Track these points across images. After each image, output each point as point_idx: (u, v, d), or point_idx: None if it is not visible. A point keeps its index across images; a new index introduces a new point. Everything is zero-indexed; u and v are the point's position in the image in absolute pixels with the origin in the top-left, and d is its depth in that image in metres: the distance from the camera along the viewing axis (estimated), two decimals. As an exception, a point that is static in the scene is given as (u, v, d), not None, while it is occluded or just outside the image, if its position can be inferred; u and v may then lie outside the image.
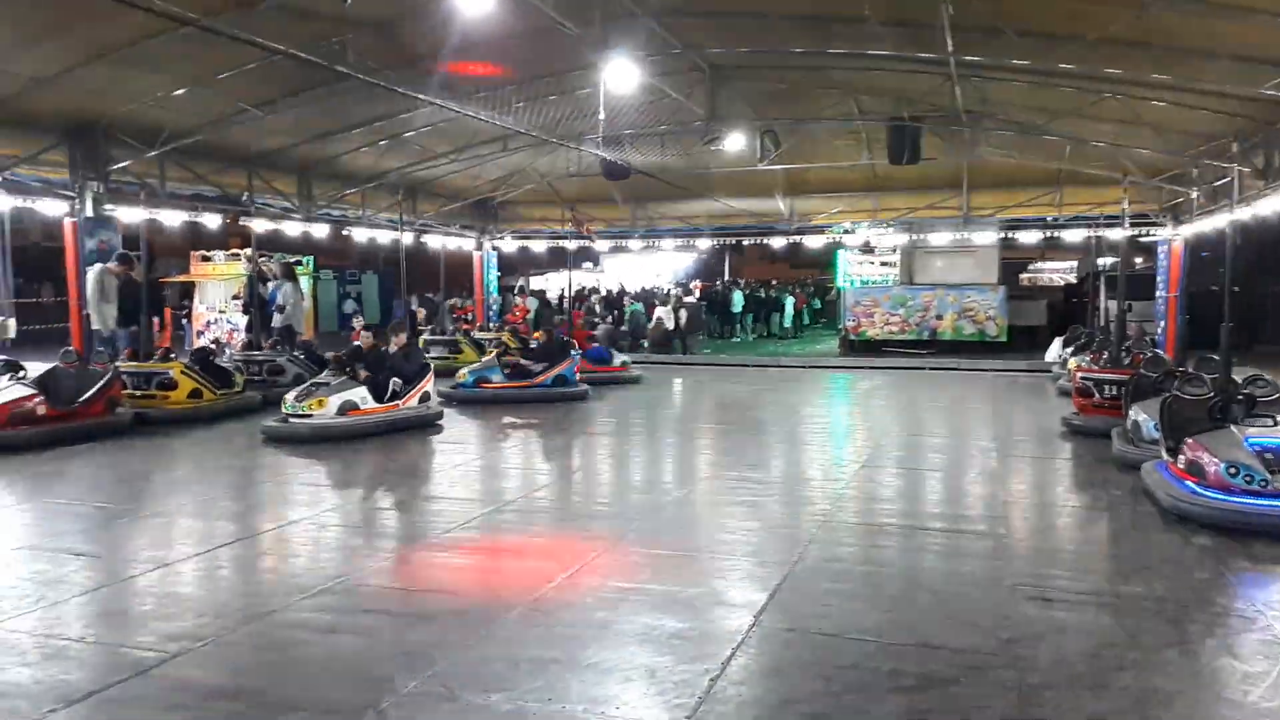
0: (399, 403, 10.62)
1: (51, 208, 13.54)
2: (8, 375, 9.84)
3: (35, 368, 10.56)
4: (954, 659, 4.19)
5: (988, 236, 20.41)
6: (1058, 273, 35.24)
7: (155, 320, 13.59)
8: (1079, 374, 11.11)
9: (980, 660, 4.18)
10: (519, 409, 12.59)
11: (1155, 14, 8.86)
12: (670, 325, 21.75)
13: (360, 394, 10.33)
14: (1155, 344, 16.27)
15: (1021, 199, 18.81)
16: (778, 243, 22.35)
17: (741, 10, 11.40)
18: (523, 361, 13.64)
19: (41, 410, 9.49)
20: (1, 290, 17.90)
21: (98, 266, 12.58)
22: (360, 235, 19.79)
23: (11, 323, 17.70)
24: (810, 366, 19.67)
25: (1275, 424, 7.05)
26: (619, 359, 16.33)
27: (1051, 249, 30.94)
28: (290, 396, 10.37)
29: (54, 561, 5.62)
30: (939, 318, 21.37)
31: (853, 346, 21.88)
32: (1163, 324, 18.33)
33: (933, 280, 21.85)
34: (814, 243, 22.26)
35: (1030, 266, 35.49)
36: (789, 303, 29.44)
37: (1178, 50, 10.01)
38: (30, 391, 9.58)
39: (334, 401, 10.11)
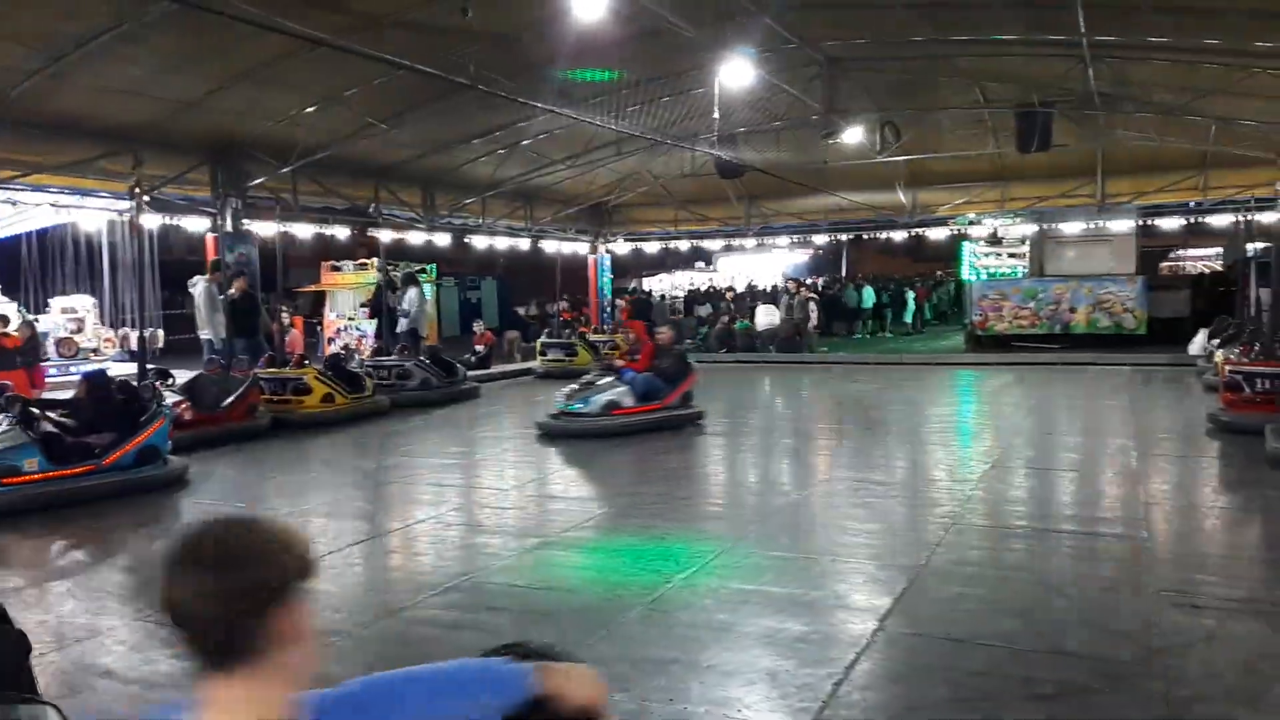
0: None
1: (194, 224, 14.37)
2: (158, 383, 10.47)
3: (181, 375, 11.21)
4: (1093, 667, 3.99)
5: (1124, 224, 19.41)
6: (1202, 260, 33.29)
7: (277, 328, 14.14)
8: (1228, 367, 10.44)
9: (1122, 670, 3.97)
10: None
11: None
12: (774, 324, 21.48)
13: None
14: (1314, 334, 15.14)
15: (1161, 184, 17.79)
16: (899, 237, 21.76)
17: (859, 1, 11.17)
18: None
19: (188, 415, 10.07)
20: (151, 303, 19.10)
21: (202, 279, 13.20)
22: (479, 242, 20.27)
23: (160, 333, 18.88)
24: (936, 364, 19.12)
25: None
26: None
27: (1195, 235, 29.19)
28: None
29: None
30: (1072, 310, 20.40)
31: (980, 342, 21.13)
32: (1322, 312, 17.04)
33: (1065, 271, 20.90)
34: (937, 236, 21.59)
35: (1172, 254, 33.62)
36: (910, 298, 28.72)
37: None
38: (178, 398, 10.18)
39: None
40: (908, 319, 28.32)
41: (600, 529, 6.64)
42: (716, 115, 12.77)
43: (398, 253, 19.77)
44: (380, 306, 16.59)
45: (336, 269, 21.94)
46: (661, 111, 13.88)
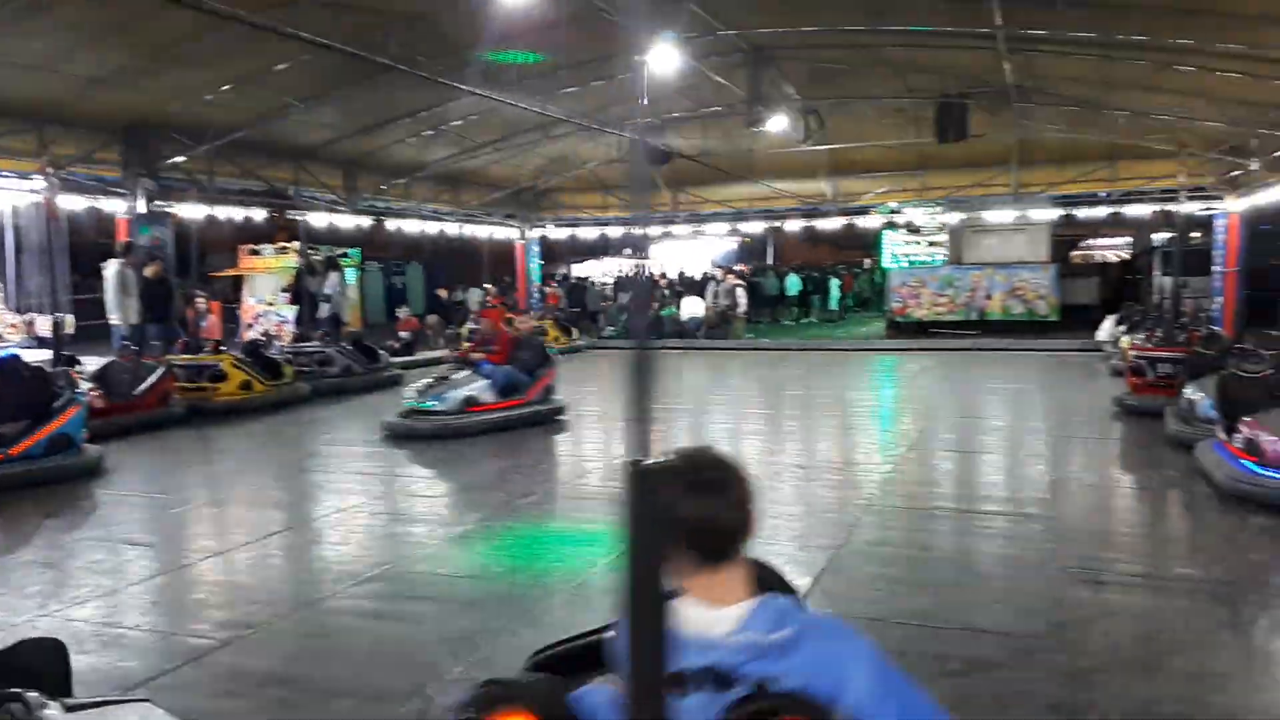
0: None
1: (106, 205, 13.85)
2: (67, 369, 10.10)
3: (92, 362, 10.84)
4: (1002, 643, 4.13)
5: (1039, 214, 19.98)
6: (1111, 249, 34.45)
7: (192, 314, 13.73)
8: (1132, 352, 10.86)
9: (1029, 644, 4.12)
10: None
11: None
12: (698, 315, 21.60)
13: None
14: (1212, 320, 15.85)
15: (1073, 174, 18.37)
16: (822, 225, 22.09)
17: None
18: None
19: (99, 403, 9.73)
20: (60, 287, 18.37)
21: (115, 262, 12.80)
22: (404, 226, 19.96)
23: (70, 319, 18.18)
24: (857, 349, 19.50)
25: (1338, 401, 6.84)
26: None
27: (1105, 225, 30.17)
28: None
29: (112, 551, 5.77)
30: (988, 297, 20.99)
31: (899, 328, 21.61)
32: (1220, 300, 17.84)
33: (982, 259, 21.47)
34: (861, 223, 21.95)
35: (1082, 243, 34.71)
36: (835, 285, 29.19)
37: (1234, 16, 9.67)
38: (88, 385, 9.84)
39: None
40: (833, 306, 28.81)
41: (524, 517, 6.63)
42: (644, 101, 12.77)
43: (319, 236, 19.39)
44: (301, 291, 16.26)
45: (255, 253, 21.41)
46: (589, 96, 13.82)
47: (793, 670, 1.54)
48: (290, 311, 18.53)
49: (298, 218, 16.46)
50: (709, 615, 1.59)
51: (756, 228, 25.06)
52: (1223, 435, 7.09)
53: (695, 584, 1.61)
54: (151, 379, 10.45)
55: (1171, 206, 16.42)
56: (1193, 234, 21.44)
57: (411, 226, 20.15)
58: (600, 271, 36.79)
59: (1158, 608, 4.56)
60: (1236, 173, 16.36)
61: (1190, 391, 8.54)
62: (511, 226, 22.85)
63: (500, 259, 24.18)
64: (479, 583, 5.11)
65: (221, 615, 4.67)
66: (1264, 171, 14.91)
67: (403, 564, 5.47)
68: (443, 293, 23.56)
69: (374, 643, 4.32)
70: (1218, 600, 4.66)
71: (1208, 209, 18.19)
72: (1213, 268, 18.30)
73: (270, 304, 20.70)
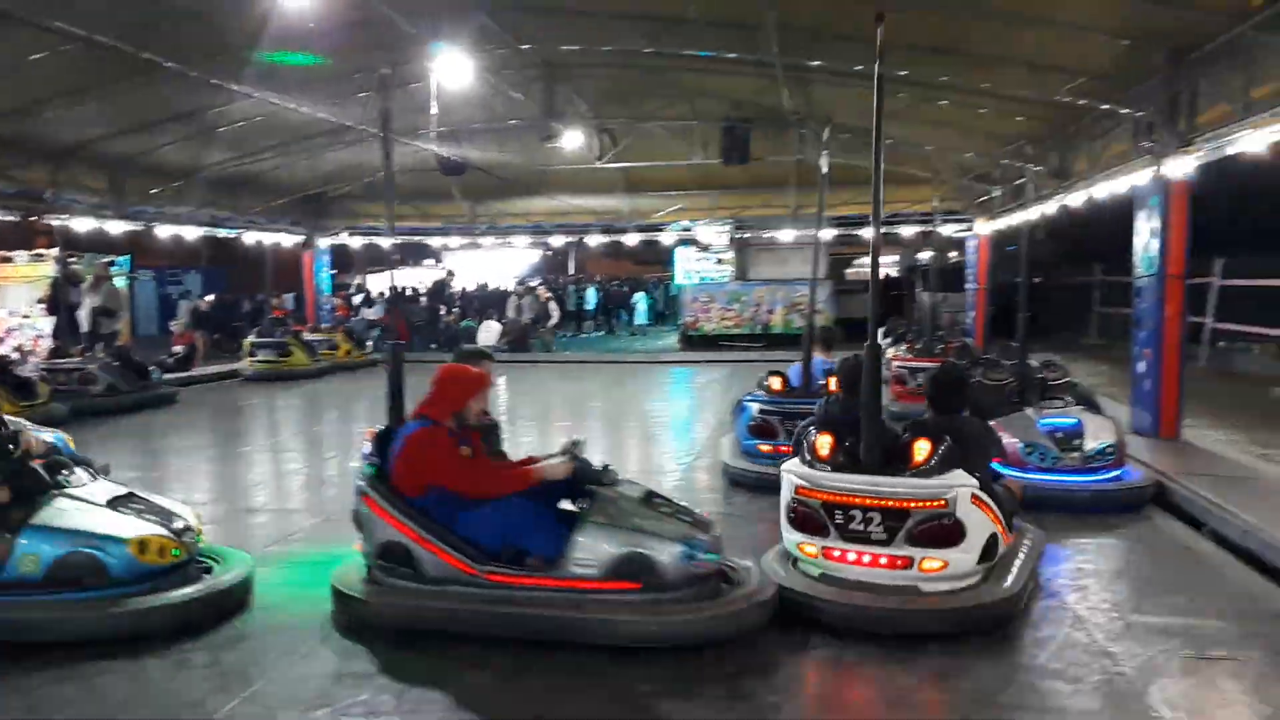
0: None
1: None
2: None
3: None
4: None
5: (812, 233, 21.20)
6: (881, 268, 36.96)
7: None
8: (895, 363, 11.74)
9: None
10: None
11: (958, 23, 9.43)
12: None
13: None
14: (966, 333, 17.33)
15: (846, 197, 19.54)
16: (623, 240, 22.57)
17: (573, 7, 11.42)
18: None
19: None
20: None
21: None
22: (178, 232, 18.70)
23: None
24: (652, 362, 20.00)
25: (1065, 405, 7.71)
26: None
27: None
28: None
29: None
30: (770, 312, 22.14)
31: (692, 341, 22.39)
32: (972, 314, 19.55)
33: (764, 276, 22.61)
34: (656, 240, 22.57)
35: (855, 262, 37.07)
36: (642, 299, 29.92)
37: (979, 57, 10.63)
38: None
39: None
40: (639, 320, 29.54)
41: (309, 540, 6.40)
42: (435, 111, 12.63)
43: (83, 243, 17.89)
44: (59, 303, 14.95)
45: (7, 260, 19.52)
46: (378, 103, 13.47)
47: None
48: (47, 324, 16.99)
49: (56, 223, 15.11)
50: None
51: (558, 241, 25.28)
52: (971, 439, 7.79)
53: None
54: (-127, 402, 9.33)
55: (930, 229, 17.86)
56: (950, 254, 23.37)
57: (188, 233, 18.89)
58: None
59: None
60: (984, 198, 18.02)
61: (944, 399, 9.31)
62: (298, 234, 21.89)
63: (289, 268, 23.13)
64: (252, 615, 4.89)
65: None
66: (1006, 197, 16.49)
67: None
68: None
69: (134, 685, 4.06)
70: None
71: (961, 231, 19.92)
72: (966, 285, 20.04)
73: (26, 316, 18.94)
